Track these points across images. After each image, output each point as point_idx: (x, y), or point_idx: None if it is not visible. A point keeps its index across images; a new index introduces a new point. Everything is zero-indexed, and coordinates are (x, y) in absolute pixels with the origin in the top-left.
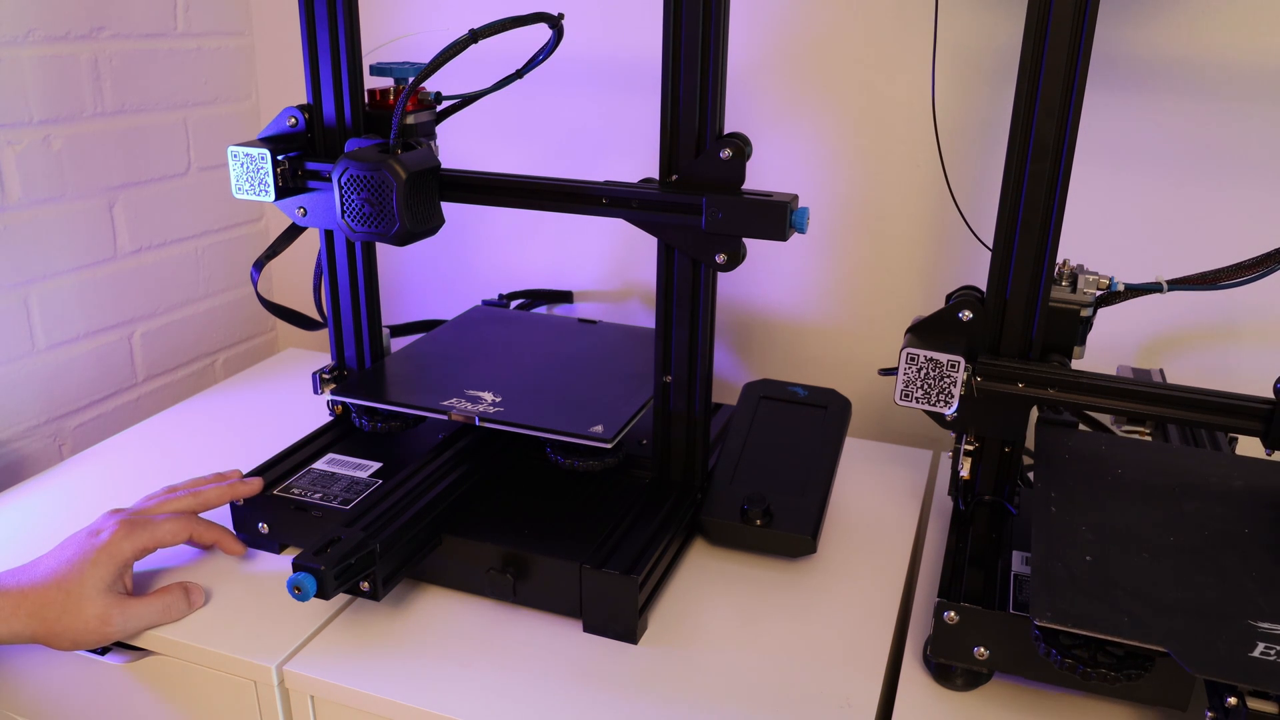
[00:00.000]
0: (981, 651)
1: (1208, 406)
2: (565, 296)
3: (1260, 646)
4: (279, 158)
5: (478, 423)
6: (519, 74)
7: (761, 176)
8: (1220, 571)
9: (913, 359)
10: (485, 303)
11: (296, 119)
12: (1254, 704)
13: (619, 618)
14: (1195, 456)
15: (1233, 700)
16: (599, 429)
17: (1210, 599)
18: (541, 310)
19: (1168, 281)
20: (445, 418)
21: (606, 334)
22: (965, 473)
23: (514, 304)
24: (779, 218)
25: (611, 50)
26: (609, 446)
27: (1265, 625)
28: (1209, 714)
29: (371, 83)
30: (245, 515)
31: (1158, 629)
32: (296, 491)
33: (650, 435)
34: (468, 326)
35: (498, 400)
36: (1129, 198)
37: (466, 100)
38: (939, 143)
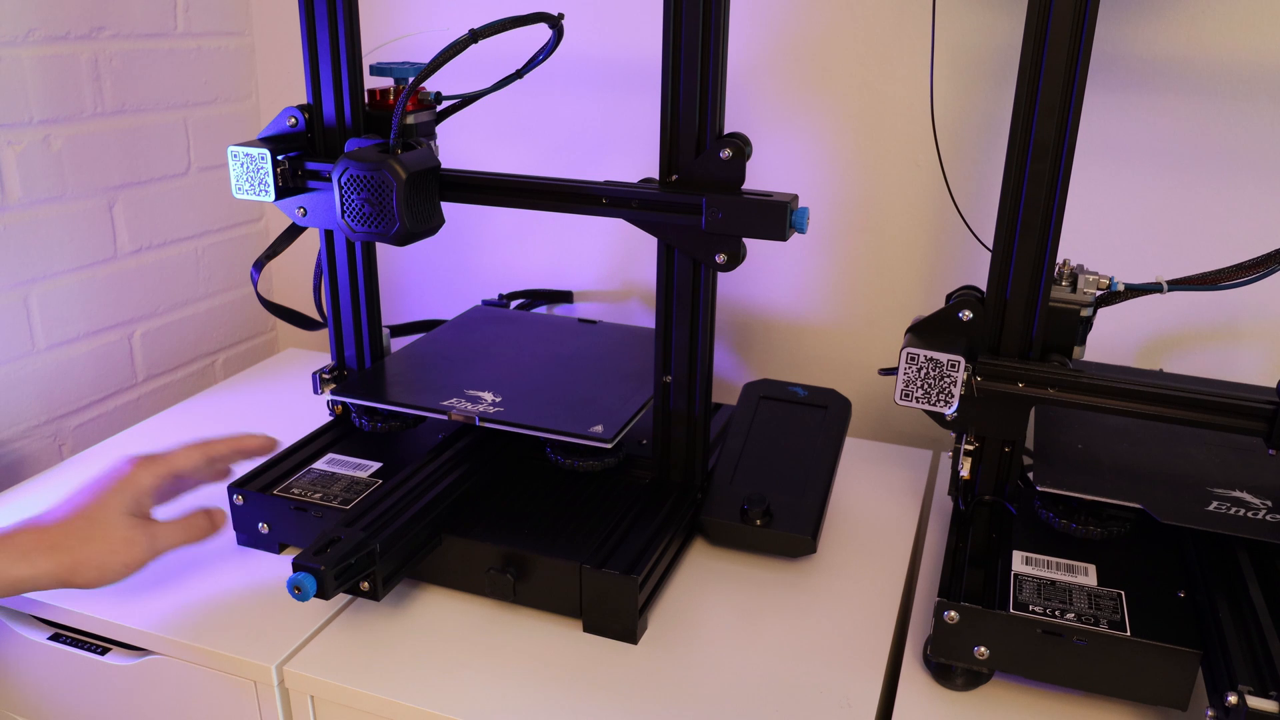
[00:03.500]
0: (982, 651)
1: (1208, 406)
2: (565, 296)
3: (1214, 504)
4: (279, 158)
5: (478, 423)
6: (519, 74)
7: (761, 176)
8: (1186, 456)
9: (913, 359)
10: (485, 302)
11: (296, 119)
12: (1254, 703)
13: (619, 618)
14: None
15: (1233, 699)
16: (599, 429)
17: (1176, 473)
18: (542, 310)
19: (1168, 282)
20: (445, 418)
21: (606, 334)
22: (965, 473)
23: (514, 304)
24: (779, 217)
25: (611, 50)
26: (609, 446)
27: (1219, 490)
28: (1209, 712)
29: (371, 83)
30: (245, 515)
31: (1134, 492)
32: (296, 491)
33: (650, 435)
34: (468, 326)
35: (498, 400)
36: (1129, 197)
37: (466, 100)
38: (937, 143)
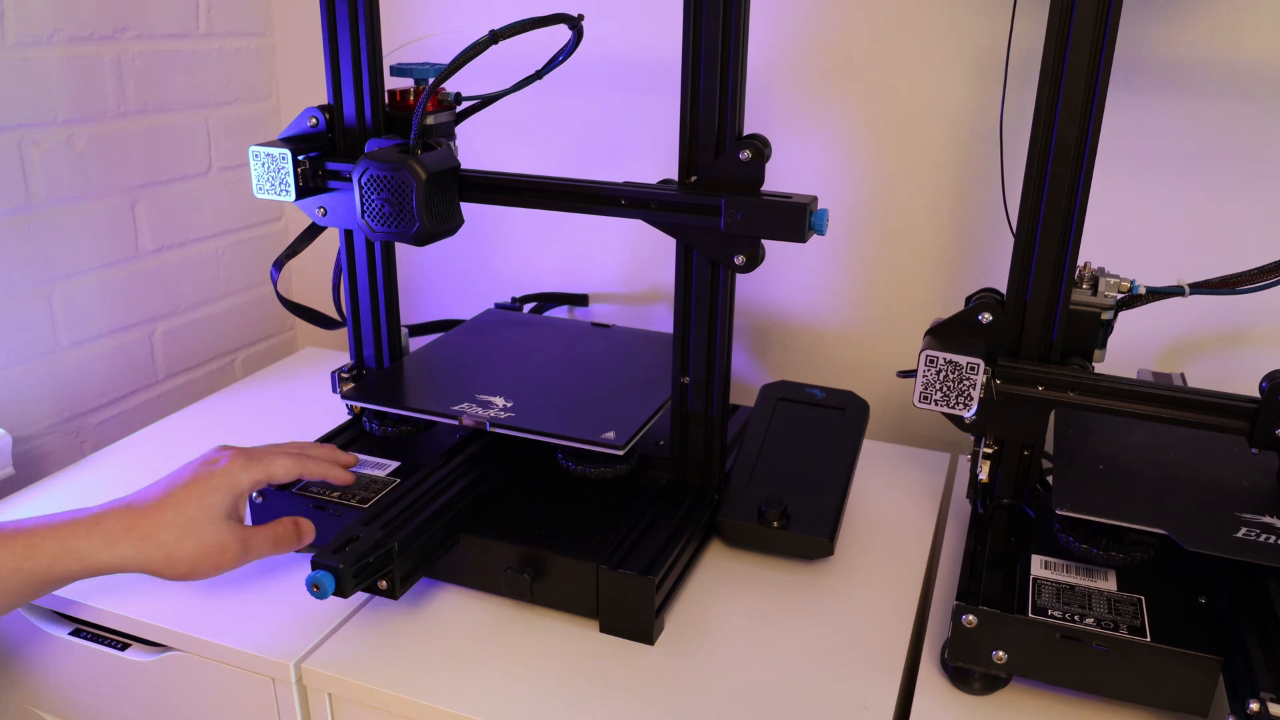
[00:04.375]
0: (1000, 655)
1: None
2: (580, 299)
3: (1243, 530)
4: (299, 158)
5: (489, 428)
6: (539, 75)
7: (780, 177)
8: (1213, 478)
9: (932, 361)
10: (498, 305)
11: (317, 119)
12: (1276, 710)
13: (636, 618)
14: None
15: (1255, 706)
16: (611, 435)
17: (1203, 497)
18: (559, 312)
19: (1190, 285)
20: (456, 423)
21: (620, 338)
22: (984, 476)
23: (526, 307)
24: (798, 219)
25: (631, 51)
26: (621, 453)
27: (1248, 515)
28: (1230, 718)
29: (392, 83)
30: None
31: (1158, 517)
32: (315, 490)
33: (667, 437)
34: (480, 330)
35: (509, 405)
36: (1151, 200)
37: (486, 101)
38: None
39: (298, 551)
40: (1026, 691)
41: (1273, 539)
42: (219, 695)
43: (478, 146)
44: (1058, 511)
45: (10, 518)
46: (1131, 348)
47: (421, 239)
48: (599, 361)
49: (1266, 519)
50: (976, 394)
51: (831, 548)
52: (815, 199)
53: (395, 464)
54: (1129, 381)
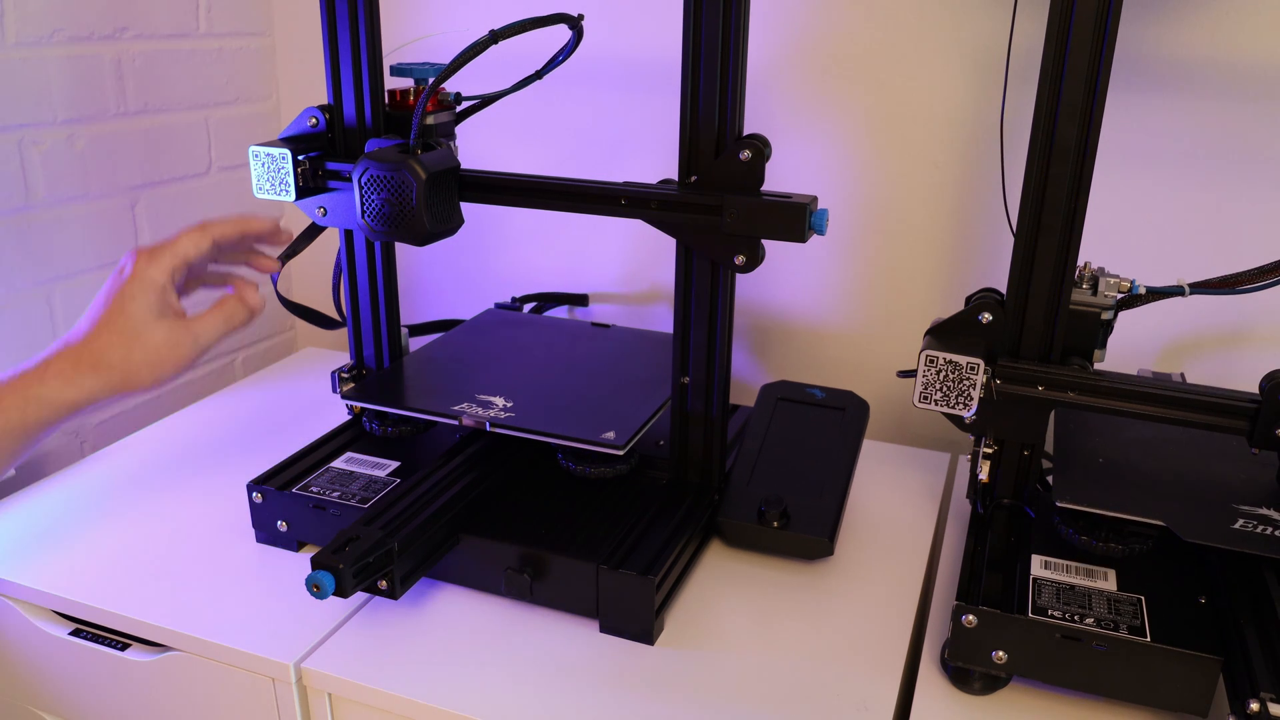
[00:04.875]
0: (1000, 655)
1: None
2: (580, 299)
3: (1240, 521)
4: (300, 158)
5: (488, 428)
6: (539, 75)
7: (780, 177)
8: (1211, 472)
9: (932, 361)
10: (498, 305)
11: (317, 119)
12: (1276, 710)
13: (636, 618)
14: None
15: (1255, 706)
16: (611, 435)
17: (1200, 488)
18: (559, 312)
19: (1190, 285)
20: (456, 423)
21: (620, 338)
22: (984, 476)
23: (527, 307)
24: (798, 219)
25: (631, 51)
26: (621, 453)
27: (1245, 507)
28: (1230, 718)
29: (392, 83)
30: (264, 512)
31: (1156, 508)
32: (315, 490)
33: (667, 437)
34: (480, 330)
35: (509, 405)
36: (1151, 200)
37: (486, 101)
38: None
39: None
40: (1026, 691)
41: (1269, 530)
42: (219, 695)
43: (478, 146)
44: (1058, 503)
45: (12, 517)
46: (1131, 348)
47: (421, 239)
48: (599, 361)
49: (1263, 510)
50: (976, 394)
51: (831, 548)
52: (815, 199)
53: (395, 464)
54: (1129, 381)
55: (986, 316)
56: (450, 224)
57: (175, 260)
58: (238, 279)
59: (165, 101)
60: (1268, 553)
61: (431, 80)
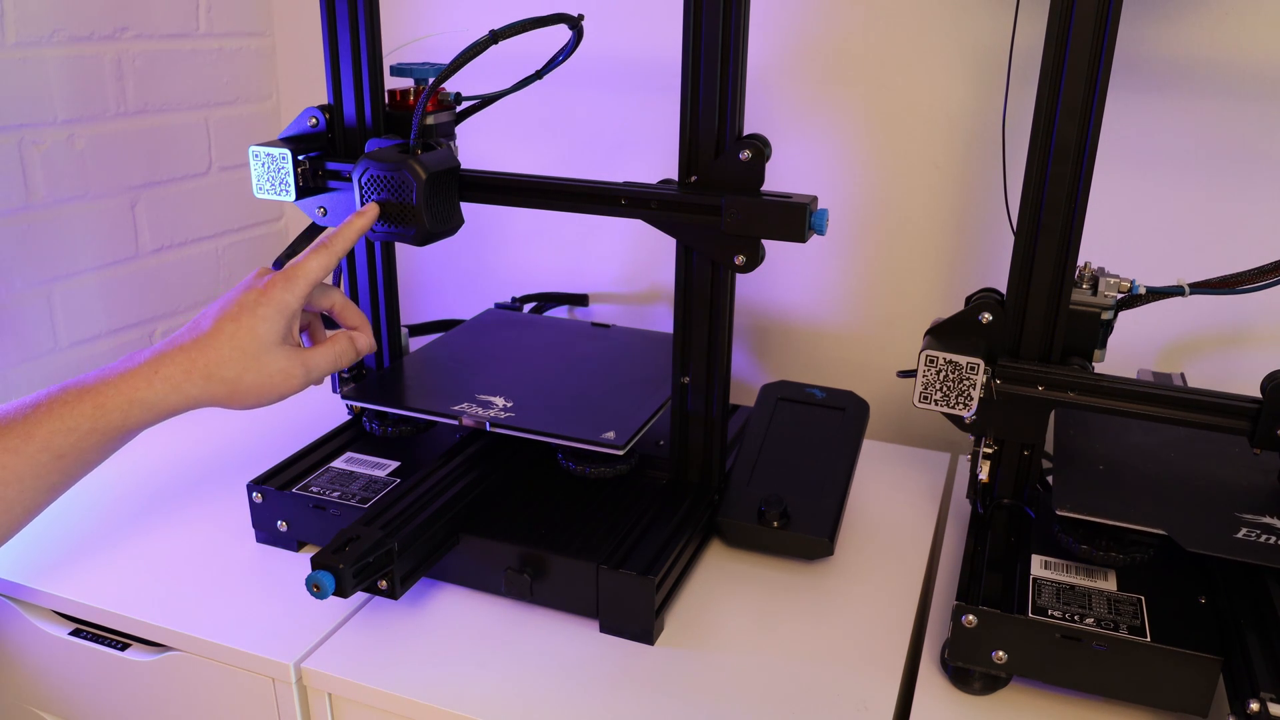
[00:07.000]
0: (1000, 655)
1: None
2: (580, 299)
3: (1243, 530)
4: (300, 158)
5: (488, 428)
6: (539, 75)
7: (781, 177)
8: (1212, 478)
9: (932, 361)
10: (498, 305)
11: (317, 119)
12: (1276, 710)
13: (636, 618)
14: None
15: (1255, 706)
16: (611, 435)
17: (1203, 497)
18: (559, 312)
19: (1190, 285)
20: (456, 423)
21: (620, 338)
22: (984, 476)
23: (527, 307)
24: (798, 219)
25: (631, 51)
26: (621, 453)
27: (1248, 515)
28: (1230, 719)
29: (392, 83)
30: (264, 512)
31: (1158, 517)
32: (315, 490)
33: (667, 437)
34: (480, 330)
35: (509, 405)
36: (1151, 200)
37: (486, 101)
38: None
39: None
40: (1026, 691)
41: (1273, 539)
42: (219, 696)
43: (478, 146)
44: (1058, 512)
45: None
46: (1131, 348)
47: (422, 239)
48: (599, 361)
49: (1266, 519)
50: (976, 394)
51: (831, 548)
52: (815, 199)
53: (395, 464)
54: (1129, 381)
55: (986, 316)
56: (450, 224)
57: (307, 286)
58: (358, 317)
59: (165, 101)
60: (1271, 563)
61: (431, 80)
